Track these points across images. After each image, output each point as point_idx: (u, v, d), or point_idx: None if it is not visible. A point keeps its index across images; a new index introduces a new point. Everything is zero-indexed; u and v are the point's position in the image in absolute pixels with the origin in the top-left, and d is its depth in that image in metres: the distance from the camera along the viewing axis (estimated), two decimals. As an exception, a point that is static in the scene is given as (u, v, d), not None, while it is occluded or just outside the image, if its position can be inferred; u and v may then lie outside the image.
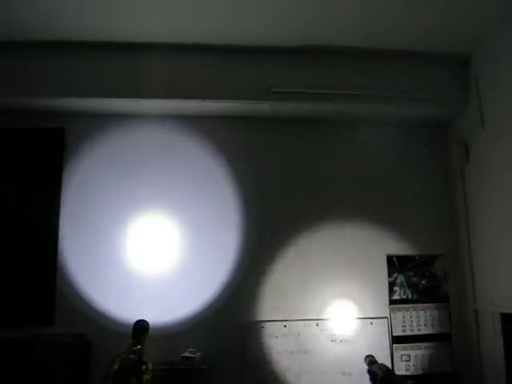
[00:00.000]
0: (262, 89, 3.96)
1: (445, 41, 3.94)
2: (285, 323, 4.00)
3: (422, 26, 3.71)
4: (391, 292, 4.19)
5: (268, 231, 4.17)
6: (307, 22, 3.64)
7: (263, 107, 4.11)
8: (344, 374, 3.94)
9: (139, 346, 3.12)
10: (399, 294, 4.20)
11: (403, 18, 3.60)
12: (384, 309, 4.15)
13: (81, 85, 3.89)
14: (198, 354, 3.74)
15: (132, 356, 3.01)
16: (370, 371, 3.55)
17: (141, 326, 3.38)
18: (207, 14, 3.52)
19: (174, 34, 3.80)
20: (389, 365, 3.77)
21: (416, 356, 4.05)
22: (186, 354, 3.72)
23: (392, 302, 4.17)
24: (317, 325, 4.03)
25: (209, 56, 3.95)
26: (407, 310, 4.17)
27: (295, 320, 4.02)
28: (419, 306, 4.19)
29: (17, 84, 3.83)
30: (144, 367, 3.12)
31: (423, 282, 4.25)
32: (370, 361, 3.70)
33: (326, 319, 4.05)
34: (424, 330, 4.15)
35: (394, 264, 4.23)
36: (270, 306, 4.05)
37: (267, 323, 4.00)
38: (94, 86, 3.90)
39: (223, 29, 3.72)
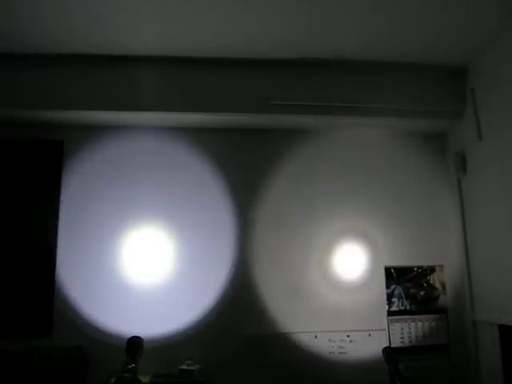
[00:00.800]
0: (260, 101, 3.97)
1: (441, 52, 3.96)
2: (284, 335, 4.00)
3: (417, 37, 3.72)
4: (389, 303, 4.19)
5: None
6: (303, 35, 3.67)
7: (261, 119, 4.14)
8: (342, 385, 3.94)
9: (133, 365, 3.11)
10: (397, 306, 4.20)
11: (399, 30, 3.62)
12: (382, 320, 4.15)
13: (80, 97, 3.89)
14: (197, 366, 3.73)
15: (126, 375, 3.00)
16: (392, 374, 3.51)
17: (134, 343, 3.36)
18: (203, 26, 3.54)
19: (172, 48, 3.82)
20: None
21: (415, 368, 4.03)
22: (184, 367, 3.71)
23: (390, 313, 4.18)
24: (315, 337, 4.03)
25: (206, 69, 3.97)
26: (405, 322, 4.17)
27: (294, 332, 4.02)
28: (417, 317, 4.19)
29: (15, 96, 3.84)
30: None
31: (421, 294, 4.25)
32: (389, 356, 3.63)
33: (325, 331, 4.05)
34: (422, 342, 4.14)
35: (392, 275, 4.24)
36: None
37: (267, 335, 4.00)
38: (93, 98, 3.90)
39: (218, 41, 3.74)
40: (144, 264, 4.04)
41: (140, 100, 3.92)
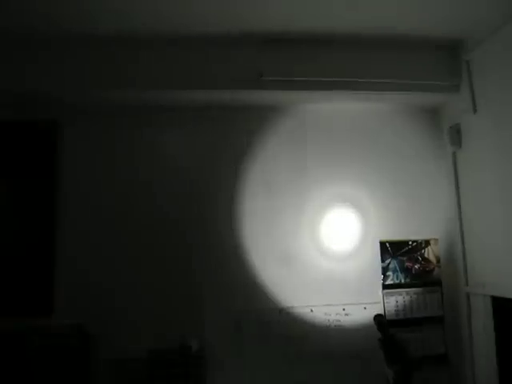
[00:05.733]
0: (252, 77, 3.92)
1: (436, 25, 3.88)
2: (279, 309, 4.06)
3: (412, 11, 3.64)
4: (384, 277, 4.24)
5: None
6: (296, 9, 3.58)
7: (253, 96, 4.10)
8: (338, 357, 3.99)
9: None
10: (392, 279, 4.25)
11: (393, 3, 3.54)
12: (377, 294, 4.20)
13: (73, 75, 3.83)
14: (195, 341, 3.81)
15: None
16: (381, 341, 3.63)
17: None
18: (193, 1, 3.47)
19: (162, 24, 3.72)
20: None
21: (409, 339, 4.09)
22: (184, 342, 3.79)
23: (385, 286, 4.23)
24: (311, 311, 4.09)
25: (196, 45, 3.91)
26: (400, 295, 4.23)
27: (289, 306, 4.08)
28: (412, 290, 4.24)
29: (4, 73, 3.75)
30: None
31: (416, 267, 4.29)
32: (380, 323, 3.75)
33: (320, 305, 4.10)
34: (417, 314, 4.21)
35: (387, 249, 4.28)
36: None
37: (261, 310, 4.05)
38: (85, 75, 3.85)
39: (208, 16, 3.65)
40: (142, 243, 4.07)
41: (133, 78, 3.87)
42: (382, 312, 4.13)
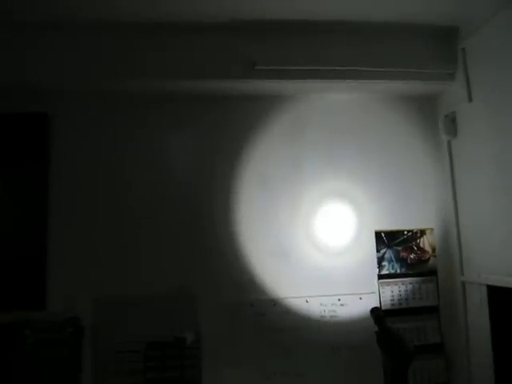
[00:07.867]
0: (246, 66, 3.87)
1: (431, 12, 3.84)
2: (274, 301, 4.05)
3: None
4: (380, 267, 4.23)
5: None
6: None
7: (247, 85, 4.04)
8: (334, 349, 4.01)
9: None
10: (388, 269, 4.24)
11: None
12: (373, 284, 4.20)
13: (65, 65, 3.75)
14: (191, 333, 3.79)
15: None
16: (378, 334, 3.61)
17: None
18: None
19: (152, 12, 3.65)
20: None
21: (405, 329, 4.10)
22: (178, 334, 3.77)
23: (381, 276, 4.22)
24: (306, 301, 4.08)
25: (188, 33, 3.84)
26: (396, 284, 4.22)
27: (284, 298, 4.06)
28: (408, 280, 4.24)
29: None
30: None
31: (411, 257, 4.29)
32: (377, 316, 3.74)
33: (316, 296, 4.09)
34: (412, 304, 4.21)
35: (383, 239, 4.26)
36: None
37: (255, 301, 4.03)
38: (79, 65, 3.76)
39: (201, 3, 3.59)
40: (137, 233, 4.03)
41: (125, 67, 3.80)
42: (377, 302, 4.13)
